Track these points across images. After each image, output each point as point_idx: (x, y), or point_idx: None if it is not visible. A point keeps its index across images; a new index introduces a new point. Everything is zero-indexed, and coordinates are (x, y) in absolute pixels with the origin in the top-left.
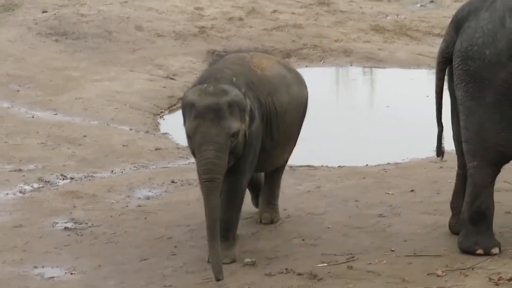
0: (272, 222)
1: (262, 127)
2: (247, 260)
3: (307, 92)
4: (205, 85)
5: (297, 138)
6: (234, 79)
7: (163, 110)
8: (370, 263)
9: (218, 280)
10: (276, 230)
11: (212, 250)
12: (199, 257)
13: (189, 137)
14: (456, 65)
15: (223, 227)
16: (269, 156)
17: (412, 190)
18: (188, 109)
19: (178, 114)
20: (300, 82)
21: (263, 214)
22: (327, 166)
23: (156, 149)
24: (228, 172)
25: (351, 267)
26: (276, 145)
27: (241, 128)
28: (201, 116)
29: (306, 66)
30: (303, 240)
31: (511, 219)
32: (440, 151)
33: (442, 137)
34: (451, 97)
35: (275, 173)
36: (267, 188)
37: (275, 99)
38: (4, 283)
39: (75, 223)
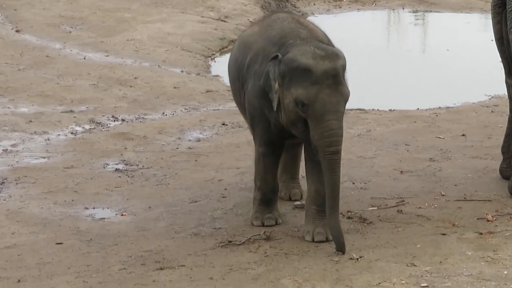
0: (302, 197)
1: None
2: (297, 203)
3: None
4: (312, 47)
5: None
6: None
7: (214, 52)
8: (420, 207)
9: (341, 251)
10: None
11: (334, 222)
12: (249, 199)
13: (303, 104)
14: (510, 9)
15: (322, 201)
16: None
17: (463, 135)
18: (301, 73)
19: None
20: None
21: (292, 190)
22: (378, 109)
23: (207, 91)
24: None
25: (401, 211)
26: None
27: None
28: (319, 82)
29: (358, 9)
30: (353, 183)
31: None
32: None
33: None
34: (504, 41)
35: (299, 146)
36: (292, 164)
37: None
38: (55, 224)
39: (126, 164)
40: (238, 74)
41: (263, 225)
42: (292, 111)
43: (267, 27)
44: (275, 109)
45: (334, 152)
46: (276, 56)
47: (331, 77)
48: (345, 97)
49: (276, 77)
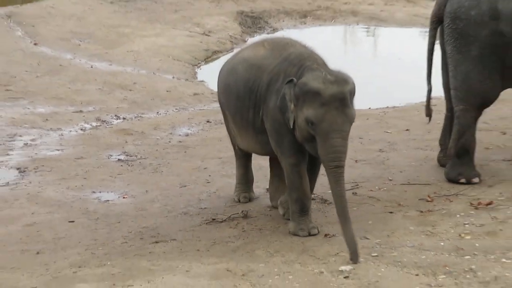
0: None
1: None
2: (267, 188)
3: None
4: (323, 72)
5: None
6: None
7: (200, 61)
8: (371, 190)
9: (353, 261)
10: None
11: (350, 234)
12: (229, 184)
13: (312, 123)
14: (447, 24)
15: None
16: None
17: (407, 129)
18: (311, 96)
19: (213, 65)
20: None
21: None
22: None
23: (194, 94)
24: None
25: (356, 193)
26: None
27: None
28: (327, 104)
29: (320, 25)
30: None
31: (489, 154)
32: (429, 112)
33: (431, 98)
34: (442, 51)
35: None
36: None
37: None
38: (68, 205)
39: (127, 155)
40: (249, 93)
41: (309, 235)
42: (304, 129)
43: (280, 51)
44: (291, 127)
45: (337, 166)
46: (291, 80)
47: (338, 100)
48: (350, 118)
49: (291, 98)
